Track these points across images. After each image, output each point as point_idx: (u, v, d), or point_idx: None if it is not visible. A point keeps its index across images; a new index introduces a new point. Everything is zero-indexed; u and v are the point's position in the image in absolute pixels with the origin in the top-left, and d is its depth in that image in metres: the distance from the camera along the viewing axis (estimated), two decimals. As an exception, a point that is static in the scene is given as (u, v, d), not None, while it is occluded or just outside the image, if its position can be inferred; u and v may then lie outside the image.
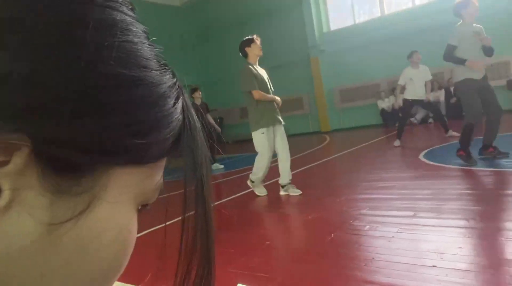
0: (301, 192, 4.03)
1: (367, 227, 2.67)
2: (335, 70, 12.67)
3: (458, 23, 4.28)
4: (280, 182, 4.17)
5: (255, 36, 4.11)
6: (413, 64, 6.39)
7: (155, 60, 0.25)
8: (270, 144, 4.04)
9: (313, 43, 12.68)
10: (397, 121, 8.53)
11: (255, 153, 4.20)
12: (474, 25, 4.22)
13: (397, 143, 6.48)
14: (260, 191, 4.32)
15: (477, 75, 4.12)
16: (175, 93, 0.26)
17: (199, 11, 15.49)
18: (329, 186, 4.34)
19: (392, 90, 11.09)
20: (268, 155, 4.05)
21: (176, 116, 0.26)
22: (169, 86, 0.25)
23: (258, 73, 4.06)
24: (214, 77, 15.14)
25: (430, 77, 6.55)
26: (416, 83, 6.33)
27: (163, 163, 0.28)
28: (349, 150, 7.02)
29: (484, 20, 4.99)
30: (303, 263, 2.24)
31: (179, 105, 0.27)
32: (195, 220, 0.29)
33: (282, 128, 4.15)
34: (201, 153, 0.29)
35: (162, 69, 0.25)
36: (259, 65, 4.29)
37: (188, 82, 15.25)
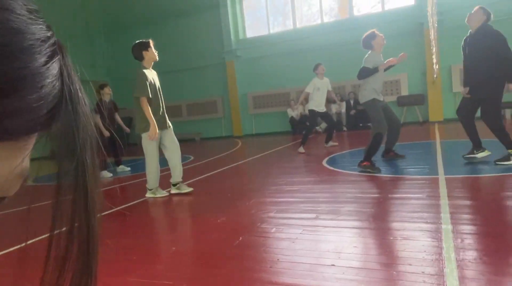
0: (192, 189, 4.21)
1: (274, 229, 2.74)
2: (249, 76, 12.98)
3: (369, 53, 4.79)
4: (171, 180, 4.27)
5: (150, 40, 4.15)
6: (319, 75, 6.89)
7: (20, 3, 0.19)
8: (157, 147, 4.17)
9: (229, 48, 12.82)
10: (303, 130, 9.19)
11: (163, 157, 4.21)
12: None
13: (301, 149, 6.84)
14: (161, 193, 4.31)
15: (380, 97, 4.81)
16: (48, 50, 0.20)
17: (110, 1, 14.54)
18: (239, 190, 4.38)
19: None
20: (156, 157, 4.15)
21: (50, 80, 0.20)
22: (40, 39, 0.19)
23: (151, 78, 4.14)
24: (125, 74, 14.32)
25: (330, 88, 7.13)
26: (321, 94, 6.84)
27: (28, 143, 0.21)
28: (259, 155, 7.20)
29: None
30: (210, 268, 2.20)
31: (55, 67, 0.20)
32: (71, 222, 0.23)
33: (171, 131, 4.29)
34: (85, 135, 0.22)
35: (31, 17, 0.19)
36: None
37: (96, 77, 14.21)
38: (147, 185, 4.31)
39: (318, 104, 6.83)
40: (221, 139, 12.79)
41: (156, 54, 4.18)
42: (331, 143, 7.27)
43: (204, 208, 3.68)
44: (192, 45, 13.65)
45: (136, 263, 2.34)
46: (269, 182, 4.52)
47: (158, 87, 4.23)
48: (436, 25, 5.63)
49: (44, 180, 0.23)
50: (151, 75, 4.16)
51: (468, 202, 3.00)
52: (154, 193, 4.26)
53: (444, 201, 2.99)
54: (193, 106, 13.99)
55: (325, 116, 7.19)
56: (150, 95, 4.03)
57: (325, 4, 12.13)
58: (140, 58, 4.12)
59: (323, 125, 10.97)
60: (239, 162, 6.68)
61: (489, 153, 4.40)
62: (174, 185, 4.26)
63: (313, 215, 2.98)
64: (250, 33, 13.35)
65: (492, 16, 4.45)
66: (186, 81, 14.06)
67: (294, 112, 11.77)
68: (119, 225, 3.35)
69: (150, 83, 4.07)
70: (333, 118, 7.24)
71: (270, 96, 12.70)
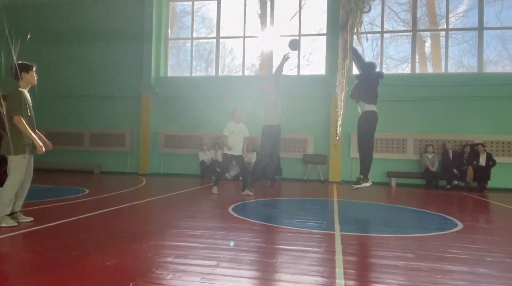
0: (15, 224, 3.94)
1: (170, 276, 2.54)
2: (164, 114, 12.74)
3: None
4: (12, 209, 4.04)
5: (33, 65, 4.21)
6: (236, 120, 7.14)
7: None
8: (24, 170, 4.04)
9: (148, 83, 12.55)
10: (217, 173, 9.60)
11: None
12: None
13: (215, 190, 7.21)
14: (8, 222, 3.92)
15: (276, 122, 6.31)
16: None
17: (26, 11, 13.37)
18: (137, 230, 4.04)
19: (214, 145, 11.82)
20: (20, 183, 4.00)
21: None
22: None
23: (28, 99, 4.14)
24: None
25: (248, 134, 7.36)
26: (236, 137, 7.07)
27: None
28: (164, 196, 6.88)
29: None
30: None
31: None
32: None
33: (32, 160, 4.21)
34: None
35: None
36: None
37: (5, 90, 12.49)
38: None
39: (233, 148, 7.04)
40: (124, 175, 11.99)
41: (35, 79, 4.18)
42: (246, 192, 7.12)
43: (93, 247, 3.29)
44: (108, 73, 13.06)
45: (-6, 309, 1.92)
46: (171, 225, 4.28)
47: (31, 109, 4.18)
48: (343, 95, 6.33)
49: None
50: (28, 96, 4.15)
51: (360, 259, 3.19)
52: (1, 221, 3.88)
53: (339, 257, 3.13)
54: (97, 136, 13.04)
55: (240, 160, 7.24)
56: (28, 114, 4.01)
57: (248, 60, 12.82)
58: (18, 78, 4.08)
59: (232, 172, 11.07)
60: (141, 201, 6.26)
61: (370, 183, 5.46)
62: (12, 214, 4.04)
63: (214, 263, 2.85)
64: (171, 73, 13.32)
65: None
66: (94, 109, 13.20)
67: (206, 156, 11.70)
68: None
69: (27, 104, 4.05)
70: (245, 164, 7.42)
71: (183, 137, 12.53)
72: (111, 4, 13.17)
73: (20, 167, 3.96)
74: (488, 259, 3.20)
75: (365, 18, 11.83)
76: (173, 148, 12.59)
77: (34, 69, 4.17)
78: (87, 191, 7.09)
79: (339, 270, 2.77)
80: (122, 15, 13.07)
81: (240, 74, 12.80)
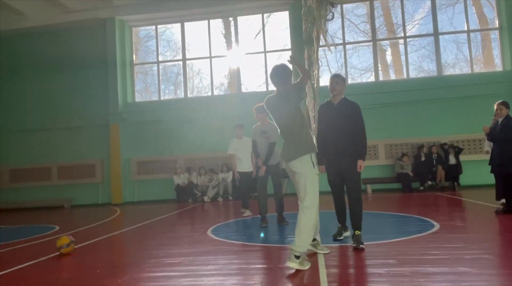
0: None
1: (148, 310, 2.39)
2: (134, 141, 12.45)
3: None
4: None
5: None
6: (238, 136, 6.96)
7: None
8: None
9: (115, 110, 12.29)
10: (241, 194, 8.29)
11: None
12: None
13: (246, 213, 6.96)
14: None
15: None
16: None
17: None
18: (111, 264, 3.84)
19: (187, 169, 11.63)
20: None
21: None
22: None
23: None
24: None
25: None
26: (242, 154, 6.83)
27: None
28: (139, 225, 6.64)
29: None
30: None
31: None
32: None
33: None
34: None
35: None
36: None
37: None
38: None
39: (241, 166, 6.89)
40: (96, 207, 11.54)
41: None
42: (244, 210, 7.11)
43: (65, 288, 3.08)
44: (73, 103, 12.73)
45: None
46: (148, 255, 4.10)
47: None
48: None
49: None
50: None
51: (342, 270, 3.14)
52: None
53: (322, 270, 3.07)
54: (66, 169, 12.56)
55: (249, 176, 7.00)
56: None
57: (216, 79, 12.84)
58: None
59: (209, 194, 10.88)
60: (115, 233, 6.00)
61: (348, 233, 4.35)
62: None
63: (194, 291, 2.73)
64: (139, 98, 13.13)
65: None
66: (61, 141, 12.77)
67: (180, 180, 11.48)
68: None
69: None
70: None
71: (155, 162, 12.27)
72: (72, 33, 12.93)
73: None
74: (467, 257, 3.24)
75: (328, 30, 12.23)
76: (146, 174, 12.29)
77: None
78: (57, 227, 6.73)
79: (324, 284, 2.71)
80: (84, 43, 12.85)
81: (210, 94, 12.79)
